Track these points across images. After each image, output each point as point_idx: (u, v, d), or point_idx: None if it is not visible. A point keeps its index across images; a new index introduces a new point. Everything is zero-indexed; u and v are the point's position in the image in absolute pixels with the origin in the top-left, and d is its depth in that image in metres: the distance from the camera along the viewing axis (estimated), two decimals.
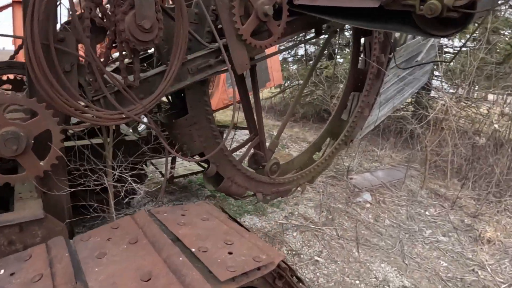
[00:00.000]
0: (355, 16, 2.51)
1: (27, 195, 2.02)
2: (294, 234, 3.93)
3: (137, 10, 1.80)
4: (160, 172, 4.69)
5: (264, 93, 11.39)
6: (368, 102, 4.71)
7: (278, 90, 10.74)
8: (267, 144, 3.50)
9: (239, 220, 4.13)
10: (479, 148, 6.31)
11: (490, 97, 8.02)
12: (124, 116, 1.94)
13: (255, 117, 3.35)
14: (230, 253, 1.64)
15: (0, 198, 2.34)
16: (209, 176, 3.18)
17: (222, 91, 7.43)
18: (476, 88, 7.30)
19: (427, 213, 4.78)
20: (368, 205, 4.80)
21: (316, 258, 3.52)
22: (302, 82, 9.65)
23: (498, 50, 6.65)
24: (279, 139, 3.88)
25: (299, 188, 4.02)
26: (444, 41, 7.43)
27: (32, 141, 1.73)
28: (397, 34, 4.42)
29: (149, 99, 2.04)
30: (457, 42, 7.82)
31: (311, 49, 10.24)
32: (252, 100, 3.38)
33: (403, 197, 5.12)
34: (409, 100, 7.24)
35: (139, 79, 2.09)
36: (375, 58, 4.39)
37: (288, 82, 10.61)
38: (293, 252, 3.57)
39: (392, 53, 4.59)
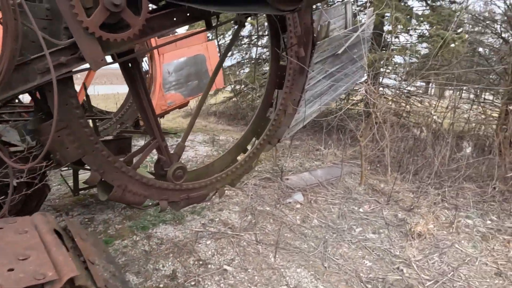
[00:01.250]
0: (223, 2, 2.28)
1: None
2: (208, 242, 3.56)
3: None
4: (67, 184, 4.24)
5: (217, 98, 11.13)
6: (294, 99, 4.49)
7: (230, 94, 10.50)
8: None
9: (151, 230, 3.75)
10: (421, 140, 6.24)
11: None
12: None
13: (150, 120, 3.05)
14: (10, 269, 1.36)
15: None
16: (91, 184, 2.84)
17: (159, 96, 7.06)
18: (416, 82, 7.31)
19: (360, 210, 4.54)
20: (298, 205, 4.51)
21: (225, 267, 3.16)
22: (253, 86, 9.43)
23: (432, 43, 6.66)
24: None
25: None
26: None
27: None
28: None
29: None
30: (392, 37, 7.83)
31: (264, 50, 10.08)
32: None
33: (338, 195, 4.88)
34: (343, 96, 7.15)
35: None
36: (293, 53, 4.19)
37: (241, 86, 10.38)
38: (200, 262, 3.19)
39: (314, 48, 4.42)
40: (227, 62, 10.29)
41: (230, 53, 9.64)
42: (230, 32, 9.30)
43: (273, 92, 4.53)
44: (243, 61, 10.79)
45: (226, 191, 4.88)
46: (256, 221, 4.05)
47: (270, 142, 4.34)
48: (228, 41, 7.80)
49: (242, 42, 10.27)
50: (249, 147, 4.40)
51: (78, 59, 2.20)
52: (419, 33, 7.65)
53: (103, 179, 2.72)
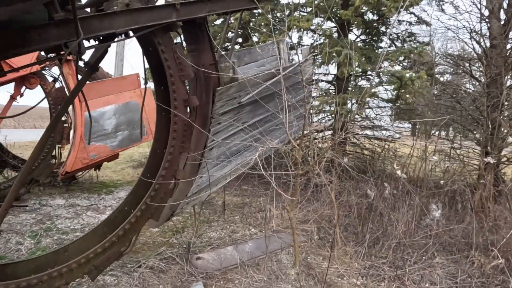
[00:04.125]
0: None
1: None
2: None
3: None
4: None
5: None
6: (192, 160, 3.49)
7: None
8: None
9: None
10: (378, 201, 5.09)
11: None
12: None
13: None
14: None
15: None
16: None
17: (80, 148, 6.09)
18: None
19: None
20: None
21: None
22: None
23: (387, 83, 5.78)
24: None
25: None
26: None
27: None
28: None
29: None
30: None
31: None
32: None
33: (256, 284, 3.66)
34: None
35: None
36: (179, 102, 3.24)
37: None
38: None
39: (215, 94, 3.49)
40: None
41: None
42: None
43: (164, 151, 3.47)
44: None
45: (106, 277, 3.70)
46: None
47: (152, 217, 3.23)
48: None
49: None
50: None
51: None
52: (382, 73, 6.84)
53: None
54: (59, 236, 4.79)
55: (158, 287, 3.56)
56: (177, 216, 5.51)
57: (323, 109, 7.09)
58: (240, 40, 9.73)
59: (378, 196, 4.99)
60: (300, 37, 8.18)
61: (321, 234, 5.03)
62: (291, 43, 5.33)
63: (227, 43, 9.09)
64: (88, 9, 2.69)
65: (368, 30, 7.41)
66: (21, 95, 6.48)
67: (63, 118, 6.31)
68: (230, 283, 3.63)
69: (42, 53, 4.99)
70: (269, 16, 6.90)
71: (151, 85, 7.24)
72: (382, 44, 7.43)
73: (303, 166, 3.98)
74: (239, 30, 8.81)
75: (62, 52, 2.35)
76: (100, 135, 6.44)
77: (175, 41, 3.24)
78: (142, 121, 6.41)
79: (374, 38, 7.49)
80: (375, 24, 7.22)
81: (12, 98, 6.40)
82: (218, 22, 9.67)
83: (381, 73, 6.77)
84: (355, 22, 6.79)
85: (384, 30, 7.46)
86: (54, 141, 6.12)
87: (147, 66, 3.39)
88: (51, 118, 6.29)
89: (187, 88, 3.54)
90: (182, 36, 3.41)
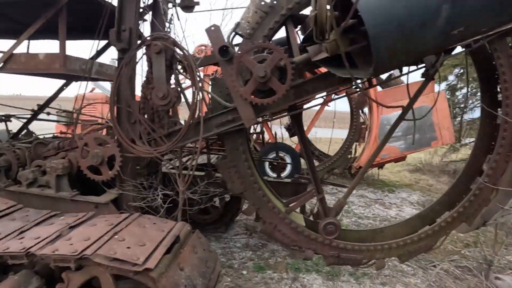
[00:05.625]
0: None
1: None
2: None
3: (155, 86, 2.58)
4: None
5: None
6: None
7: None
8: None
9: (301, 274, 3.80)
10: None
11: None
12: (151, 153, 2.64)
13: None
14: (128, 247, 1.98)
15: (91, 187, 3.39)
16: (247, 214, 3.38)
17: (374, 148, 6.94)
18: None
19: None
20: None
21: None
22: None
23: None
24: None
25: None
26: None
27: (106, 159, 2.74)
28: None
29: (168, 144, 2.66)
30: None
31: None
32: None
33: None
34: None
35: (167, 132, 2.72)
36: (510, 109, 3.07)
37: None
38: None
39: None
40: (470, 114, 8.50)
41: None
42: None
43: (483, 158, 3.46)
44: None
45: (403, 265, 4.15)
46: None
47: (466, 220, 3.31)
48: None
49: None
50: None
51: (240, 118, 2.70)
52: None
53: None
54: (355, 219, 5.80)
55: None
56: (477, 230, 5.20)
57: None
58: None
59: None
60: None
61: None
62: None
63: None
64: None
65: None
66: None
67: (361, 120, 7.44)
68: None
69: None
70: None
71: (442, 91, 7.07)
72: None
73: None
74: None
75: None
76: (391, 137, 7.06)
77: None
78: (432, 126, 6.46)
79: None
80: None
81: (325, 103, 8.24)
82: None
83: None
84: None
85: None
86: (353, 139, 7.35)
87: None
88: (351, 120, 7.56)
89: None
90: None
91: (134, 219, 2.41)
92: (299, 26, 3.12)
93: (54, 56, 2.97)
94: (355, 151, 7.71)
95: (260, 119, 3.02)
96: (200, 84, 2.58)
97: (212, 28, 2.54)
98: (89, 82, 6.49)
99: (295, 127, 3.20)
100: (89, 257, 1.88)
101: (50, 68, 3.00)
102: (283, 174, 6.18)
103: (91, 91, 9.07)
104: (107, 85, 9.17)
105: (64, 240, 2.08)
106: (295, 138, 8.58)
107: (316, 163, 8.92)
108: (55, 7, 2.88)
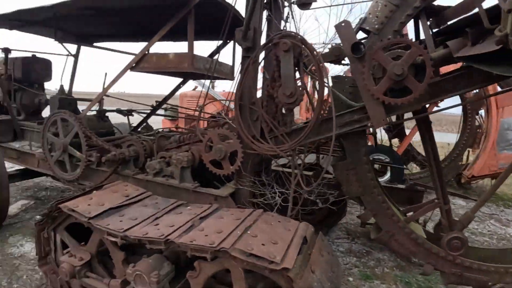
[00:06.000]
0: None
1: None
2: None
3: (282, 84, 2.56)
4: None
5: None
6: None
7: None
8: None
9: None
10: None
11: None
12: (274, 150, 2.65)
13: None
14: (263, 244, 1.98)
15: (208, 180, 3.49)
16: (362, 220, 3.17)
17: (490, 155, 6.03)
18: None
19: None
20: None
21: None
22: None
23: None
24: None
25: None
26: None
27: (228, 154, 2.83)
28: None
29: (292, 142, 2.63)
30: None
31: None
32: None
33: None
34: None
35: (290, 129, 2.73)
36: None
37: None
38: None
39: None
40: None
41: None
42: None
43: None
44: None
45: None
46: None
47: None
48: None
49: None
50: None
51: (367, 118, 2.55)
52: None
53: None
54: (468, 234, 5.09)
55: None
56: None
57: None
58: None
59: None
60: None
61: None
62: None
63: None
64: None
65: None
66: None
67: (476, 123, 6.52)
68: None
69: None
70: None
71: None
72: None
73: None
74: None
75: None
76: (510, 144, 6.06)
77: None
78: None
79: None
80: None
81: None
82: None
83: None
84: None
85: None
86: (466, 144, 6.48)
87: None
88: (465, 122, 6.63)
89: None
90: None
91: (259, 216, 2.42)
92: (430, 19, 2.81)
93: (183, 56, 3.16)
94: (467, 158, 6.79)
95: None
96: (328, 83, 2.48)
97: (343, 24, 2.42)
98: (191, 81, 6.99)
99: (423, 131, 2.90)
100: (227, 250, 1.91)
101: (179, 67, 3.19)
102: (383, 179, 5.77)
103: (194, 89, 9.71)
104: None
105: (197, 231, 2.15)
106: (395, 141, 7.95)
107: (418, 168, 8.15)
108: (185, 10, 3.06)
